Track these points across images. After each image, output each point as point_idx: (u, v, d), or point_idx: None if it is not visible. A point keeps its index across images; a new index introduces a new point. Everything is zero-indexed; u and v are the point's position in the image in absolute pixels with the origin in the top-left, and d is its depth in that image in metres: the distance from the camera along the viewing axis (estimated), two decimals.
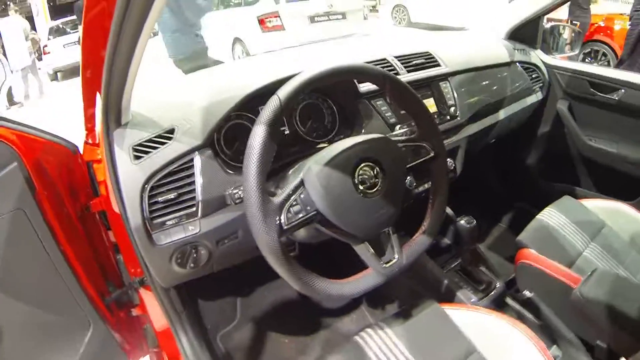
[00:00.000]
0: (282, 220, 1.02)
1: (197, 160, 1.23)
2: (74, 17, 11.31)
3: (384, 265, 1.14)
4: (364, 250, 1.12)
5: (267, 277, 2.03)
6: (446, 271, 1.72)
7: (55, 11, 15.30)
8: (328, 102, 1.54)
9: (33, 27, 10.66)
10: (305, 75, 1.11)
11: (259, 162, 1.00)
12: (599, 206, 1.81)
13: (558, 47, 2.53)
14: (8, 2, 14.14)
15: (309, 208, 1.05)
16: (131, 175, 1.18)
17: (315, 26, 7.70)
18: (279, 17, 7.34)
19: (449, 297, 1.62)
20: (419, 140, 1.29)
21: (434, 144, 1.30)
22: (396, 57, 1.72)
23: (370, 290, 1.13)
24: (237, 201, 1.21)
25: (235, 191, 1.23)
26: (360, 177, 1.10)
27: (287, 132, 1.45)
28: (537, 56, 2.34)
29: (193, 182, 1.22)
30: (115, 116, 1.20)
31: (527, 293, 1.58)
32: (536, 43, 2.37)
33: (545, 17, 2.32)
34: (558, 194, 1.85)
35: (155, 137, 1.23)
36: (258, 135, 1.01)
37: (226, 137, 1.35)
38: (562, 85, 2.29)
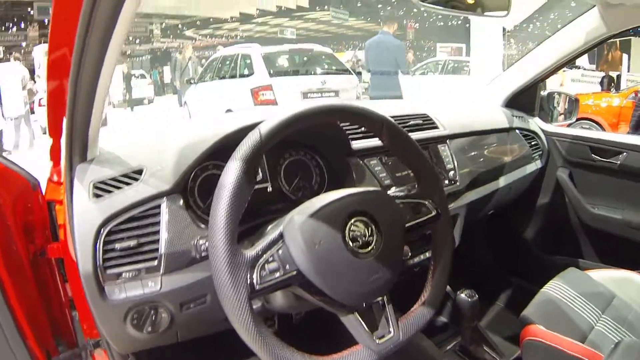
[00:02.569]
0: (254, 279, 0.86)
1: (165, 208, 1.09)
2: None
3: (377, 341, 0.95)
4: (353, 323, 0.95)
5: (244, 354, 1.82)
6: (444, 351, 1.60)
7: None
8: (316, 159, 1.41)
9: (32, 78, 10.73)
10: (292, 110, 0.99)
11: (230, 203, 0.86)
12: (607, 276, 1.69)
13: (555, 115, 2.50)
14: (12, 51, 14.32)
15: (287, 267, 0.88)
16: (87, 213, 1.04)
17: (308, 102, 7.75)
18: (272, 90, 7.35)
19: None
20: (419, 197, 1.15)
21: (436, 202, 1.15)
22: (392, 117, 1.63)
23: None
24: (204, 253, 1.06)
25: (202, 242, 1.07)
26: (351, 233, 0.93)
27: (270, 189, 1.31)
28: (536, 123, 2.30)
29: (157, 232, 1.07)
30: (80, 150, 1.08)
31: None
32: (534, 110, 2.34)
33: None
34: (560, 268, 1.74)
35: (120, 176, 1.10)
36: (232, 171, 0.88)
37: (202, 187, 1.21)
38: (561, 153, 2.24)
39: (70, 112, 0.96)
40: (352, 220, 0.94)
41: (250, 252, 0.87)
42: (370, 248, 0.95)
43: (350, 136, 1.41)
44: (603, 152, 2.08)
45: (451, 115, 1.88)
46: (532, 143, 2.21)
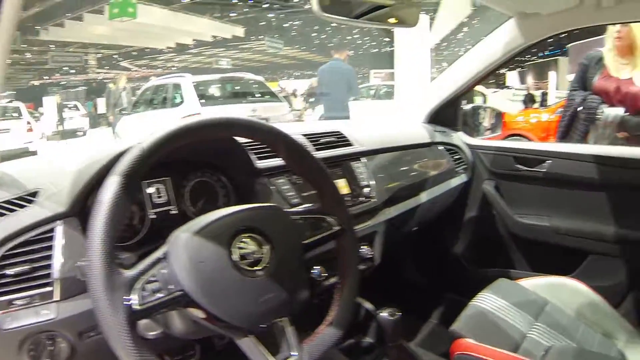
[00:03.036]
0: (134, 300, 0.78)
1: (59, 231, 0.99)
2: None
3: None
4: (250, 346, 0.87)
5: None
6: None
7: None
8: (222, 180, 1.34)
9: None
10: (179, 124, 0.93)
11: (107, 220, 0.79)
12: (539, 284, 1.68)
13: (480, 129, 2.50)
14: None
15: (171, 287, 0.81)
16: None
17: None
18: None
19: None
20: (319, 213, 1.10)
21: (339, 217, 1.10)
22: (304, 134, 1.57)
23: None
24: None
25: (84, 263, 0.97)
26: (240, 250, 0.87)
27: (173, 211, 1.22)
28: (459, 137, 2.30)
29: (51, 257, 0.97)
30: None
31: None
32: (457, 125, 2.34)
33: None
34: (492, 280, 1.71)
35: (14, 198, 1.01)
36: (110, 187, 0.82)
37: None
38: (486, 165, 2.23)
39: None
40: (241, 237, 0.89)
41: (130, 272, 0.81)
42: (261, 266, 0.89)
43: (257, 155, 1.36)
44: (527, 161, 2.09)
45: (367, 132, 1.84)
46: (456, 157, 2.19)
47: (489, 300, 1.55)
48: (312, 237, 1.04)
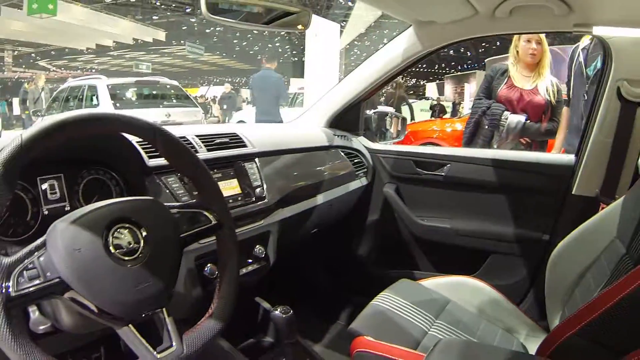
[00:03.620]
0: (10, 287, 0.79)
1: None
2: None
3: (157, 355, 0.89)
4: (129, 335, 0.88)
5: None
6: None
7: None
8: (115, 178, 1.34)
9: None
10: (56, 118, 0.93)
11: None
12: (440, 283, 1.74)
13: (385, 135, 2.55)
14: None
15: (49, 274, 0.82)
16: None
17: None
18: None
19: None
20: (197, 207, 1.12)
21: (216, 211, 1.12)
22: (197, 135, 1.58)
23: None
24: None
25: None
26: (115, 240, 0.90)
27: (67, 208, 1.21)
28: (359, 142, 2.35)
29: None
30: None
31: None
32: (358, 130, 2.38)
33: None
34: (394, 281, 1.75)
35: None
36: None
37: None
38: (387, 169, 2.29)
39: None
40: (116, 227, 0.91)
41: (7, 259, 0.81)
42: (136, 256, 0.91)
43: (148, 154, 1.36)
44: (427, 165, 2.16)
45: (263, 135, 1.85)
46: (356, 161, 2.23)
47: (389, 300, 1.58)
48: (189, 230, 1.05)
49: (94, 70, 31.34)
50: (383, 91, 9.47)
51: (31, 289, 0.80)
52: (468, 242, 2.09)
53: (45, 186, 1.16)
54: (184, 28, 28.82)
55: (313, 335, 2.23)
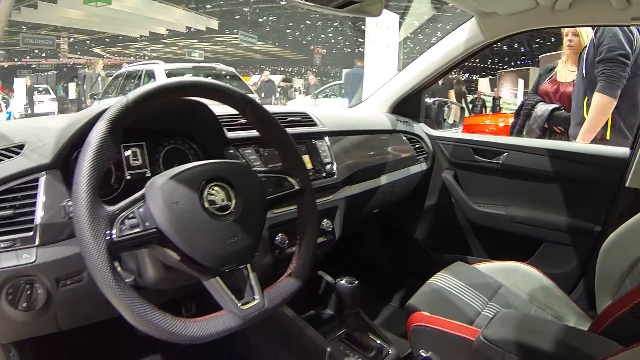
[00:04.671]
0: (114, 232, 0.87)
1: (43, 181, 1.07)
2: None
3: (241, 306, 0.97)
4: (216, 287, 0.95)
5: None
6: (330, 340, 1.59)
7: None
8: (194, 148, 1.43)
9: None
10: (159, 83, 1.03)
11: (94, 159, 0.87)
12: (494, 268, 1.77)
13: (442, 123, 2.60)
14: None
15: (147, 224, 0.90)
16: None
17: None
18: None
19: None
20: (282, 173, 1.19)
21: (299, 177, 1.20)
22: (272, 113, 1.66)
23: None
24: (71, 214, 1.00)
25: (69, 202, 1.01)
26: (209, 196, 0.98)
27: (147, 174, 1.30)
28: (420, 128, 2.40)
29: (34, 204, 1.04)
30: None
31: (422, 353, 1.44)
32: (419, 117, 2.44)
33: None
34: (448, 264, 1.79)
35: (1, 149, 1.08)
36: (98, 130, 0.90)
37: None
38: (446, 155, 2.33)
39: None
40: (211, 185, 0.99)
41: (112, 207, 0.89)
42: (228, 212, 0.99)
43: (227, 127, 1.45)
44: (485, 153, 2.20)
45: (331, 115, 1.92)
46: (417, 146, 2.29)
47: (445, 280, 1.64)
48: (275, 193, 1.13)
49: (147, 57, 31.80)
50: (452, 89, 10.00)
51: (131, 235, 0.88)
52: (522, 229, 2.11)
53: (128, 153, 1.25)
54: (237, 17, 28.96)
55: (371, 311, 2.28)
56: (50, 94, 18.88)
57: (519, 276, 1.74)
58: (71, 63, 32.06)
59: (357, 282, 1.49)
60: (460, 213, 2.31)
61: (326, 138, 1.76)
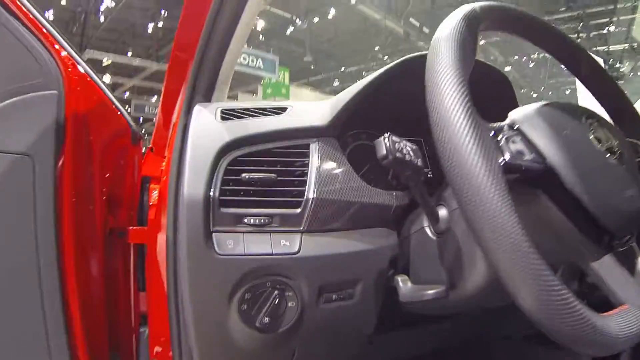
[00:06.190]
0: (506, 157, 0.60)
1: (315, 148, 0.80)
2: None
3: None
4: (609, 268, 0.60)
5: None
6: None
7: None
8: None
9: None
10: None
11: (457, 51, 0.58)
12: None
13: None
14: None
15: (527, 157, 0.61)
16: (208, 134, 0.77)
17: None
18: None
19: None
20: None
21: None
22: None
23: None
24: (408, 156, 0.65)
25: (394, 139, 0.64)
26: (593, 131, 0.66)
27: (430, 174, 0.99)
28: None
29: (305, 173, 0.76)
30: (204, 90, 0.88)
31: None
32: None
33: None
34: None
35: (258, 109, 0.85)
36: (449, 23, 0.61)
37: (351, 157, 0.89)
38: None
39: (202, 50, 0.84)
40: (593, 121, 0.68)
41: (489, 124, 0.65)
42: (616, 155, 0.65)
43: None
44: None
45: None
46: None
47: None
48: None
49: None
50: None
51: (522, 163, 0.61)
52: None
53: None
54: None
55: None
56: None
57: None
58: None
59: None
60: None
61: None
